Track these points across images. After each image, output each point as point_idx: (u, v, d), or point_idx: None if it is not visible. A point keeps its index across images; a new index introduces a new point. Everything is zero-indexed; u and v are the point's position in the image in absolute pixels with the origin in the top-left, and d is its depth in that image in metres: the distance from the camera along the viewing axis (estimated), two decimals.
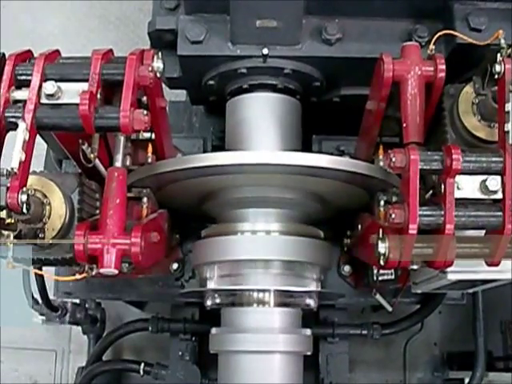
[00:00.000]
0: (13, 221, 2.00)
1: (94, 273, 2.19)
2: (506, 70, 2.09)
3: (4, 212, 1.97)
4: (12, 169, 1.91)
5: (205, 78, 2.81)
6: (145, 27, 2.75)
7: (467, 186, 2.08)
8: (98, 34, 4.91)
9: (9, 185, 1.92)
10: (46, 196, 2.20)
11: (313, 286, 2.65)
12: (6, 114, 2.03)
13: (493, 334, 3.85)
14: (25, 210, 1.96)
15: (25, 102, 2.04)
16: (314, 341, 2.75)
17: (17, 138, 1.96)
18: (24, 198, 1.94)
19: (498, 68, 2.10)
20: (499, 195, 2.07)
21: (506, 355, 3.90)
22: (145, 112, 2.07)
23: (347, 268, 2.99)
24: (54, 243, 2.21)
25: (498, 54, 2.10)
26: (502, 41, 2.18)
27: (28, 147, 1.98)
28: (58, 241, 2.18)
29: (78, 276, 2.22)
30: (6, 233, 2.02)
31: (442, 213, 2.05)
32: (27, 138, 1.97)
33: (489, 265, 2.17)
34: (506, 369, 3.78)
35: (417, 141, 2.22)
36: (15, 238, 2.03)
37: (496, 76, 2.12)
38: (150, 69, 2.14)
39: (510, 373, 3.72)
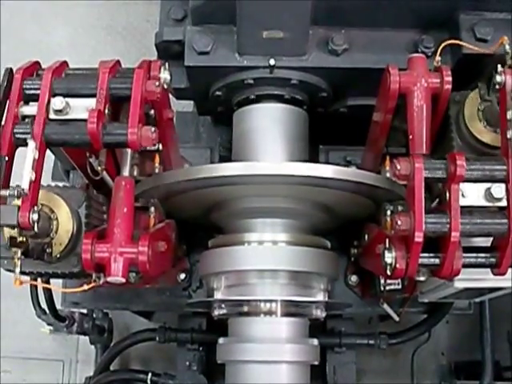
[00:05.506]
0: (24, 239, 2.01)
1: (101, 282, 2.20)
2: (506, 80, 2.10)
3: (15, 230, 1.97)
4: (23, 190, 1.91)
5: (212, 88, 2.82)
6: (152, 38, 2.76)
7: (472, 194, 2.09)
8: (105, 44, 4.93)
9: (19, 204, 1.92)
10: (53, 211, 2.21)
11: (320, 296, 2.65)
12: (15, 131, 2.02)
13: (500, 343, 3.84)
14: (36, 229, 1.97)
15: (33, 117, 2.03)
16: (321, 351, 2.75)
17: (26, 158, 1.96)
18: (35, 217, 1.94)
19: (498, 78, 2.11)
20: (504, 203, 2.08)
21: None
22: (153, 129, 2.07)
23: (354, 278, 2.99)
24: (62, 257, 2.22)
25: (499, 65, 2.12)
26: (507, 47, 2.19)
27: (38, 165, 1.98)
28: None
29: (85, 286, 2.23)
30: (13, 249, 2.03)
31: (448, 220, 2.06)
32: (37, 156, 1.98)
33: (495, 274, 2.17)
34: None
35: (423, 153, 2.22)
36: (23, 253, 2.05)
37: (497, 86, 2.13)
38: (157, 84, 2.15)
39: None
